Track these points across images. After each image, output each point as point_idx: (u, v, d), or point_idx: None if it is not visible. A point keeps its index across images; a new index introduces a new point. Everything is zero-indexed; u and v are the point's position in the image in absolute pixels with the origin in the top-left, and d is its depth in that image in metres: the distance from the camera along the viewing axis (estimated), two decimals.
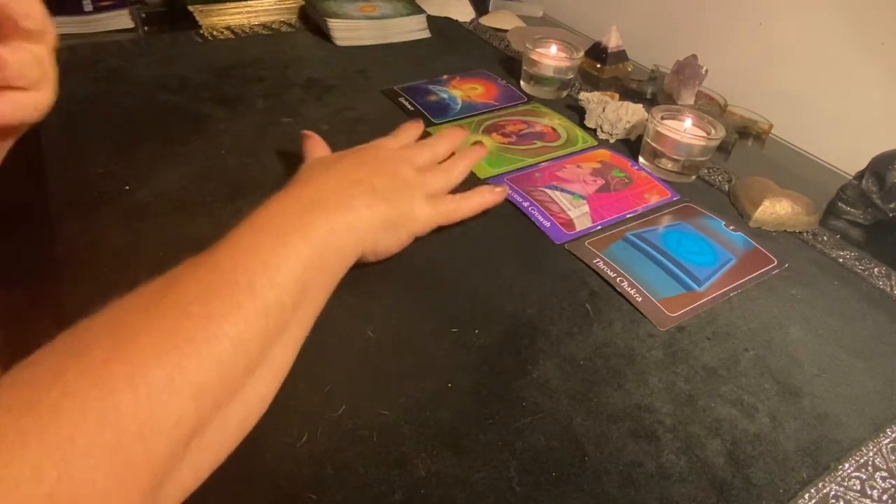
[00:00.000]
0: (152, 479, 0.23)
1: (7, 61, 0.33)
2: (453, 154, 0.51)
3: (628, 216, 0.50)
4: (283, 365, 0.31)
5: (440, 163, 0.49)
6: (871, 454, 0.34)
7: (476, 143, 0.56)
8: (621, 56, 0.77)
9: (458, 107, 0.63)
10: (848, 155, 0.61)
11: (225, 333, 0.26)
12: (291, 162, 0.52)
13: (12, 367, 0.23)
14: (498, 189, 0.48)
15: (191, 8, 0.75)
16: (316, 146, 0.46)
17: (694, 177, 0.56)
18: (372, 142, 0.46)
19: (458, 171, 0.48)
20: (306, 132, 0.47)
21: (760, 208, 0.51)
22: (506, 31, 0.87)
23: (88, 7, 0.80)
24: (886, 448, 0.34)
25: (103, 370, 0.22)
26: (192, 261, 0.29)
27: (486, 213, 0.48)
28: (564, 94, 0.68)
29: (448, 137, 0.51)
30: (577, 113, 0.64)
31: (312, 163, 0.43)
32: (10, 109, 0.38)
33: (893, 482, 0.32)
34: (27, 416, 0.20)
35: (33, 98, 0.41)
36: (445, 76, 0.69)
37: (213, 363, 0.25)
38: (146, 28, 0.78)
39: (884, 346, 0.41)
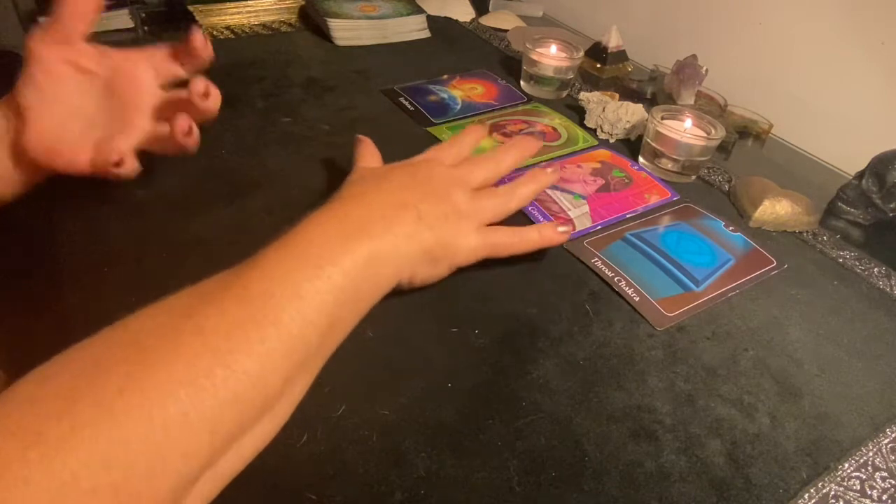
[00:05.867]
0: None
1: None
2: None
3: (628, 216, 0.50)
4: (301, 392, 0.31)
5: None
6: (871, 454, 0.34)
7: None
8: (621, 56, 0.77)
9: (458, 107, 0.63)
10: (848, 155, 0.61)
11: (245, 371, 0.25)
12: (291, 162, 0.52)
13: (31, 372, 0.23)
14: (561, 229, 0.42)
15: (191, 8, 0.75)
16: (367, 153, 0.43)
17: (694, 177, 0.56)
18: (427, 154, 0.43)
19: (519, 197, 0.42)
20: (361, 137, 0.44)
21: (760, 208, 0.51)
22: (506, 31, 0.87)
23: None
24: (886, 448, 0.34)
25: (118, 401, 0.22)
26: (224, 280, 0.28)
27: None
28: (564, 94, 0.68)
29: (514, 151, 0.45)
30: (577, 113, 0.64)
31: (361, 173, 0.40)
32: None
33: (893, 482, 0.32)
34: (34, 449, 0.20)
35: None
36: (445, 76, 0.69)
37: (231, 401, 0.24)
38: (146, 28, 0.78)
39: (884, 346, 0.41)
